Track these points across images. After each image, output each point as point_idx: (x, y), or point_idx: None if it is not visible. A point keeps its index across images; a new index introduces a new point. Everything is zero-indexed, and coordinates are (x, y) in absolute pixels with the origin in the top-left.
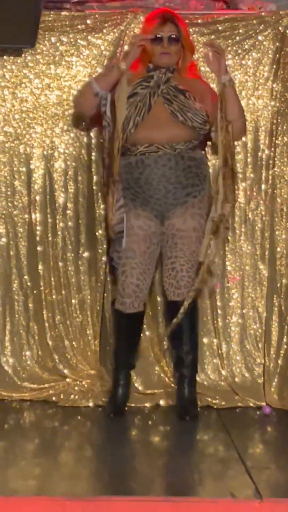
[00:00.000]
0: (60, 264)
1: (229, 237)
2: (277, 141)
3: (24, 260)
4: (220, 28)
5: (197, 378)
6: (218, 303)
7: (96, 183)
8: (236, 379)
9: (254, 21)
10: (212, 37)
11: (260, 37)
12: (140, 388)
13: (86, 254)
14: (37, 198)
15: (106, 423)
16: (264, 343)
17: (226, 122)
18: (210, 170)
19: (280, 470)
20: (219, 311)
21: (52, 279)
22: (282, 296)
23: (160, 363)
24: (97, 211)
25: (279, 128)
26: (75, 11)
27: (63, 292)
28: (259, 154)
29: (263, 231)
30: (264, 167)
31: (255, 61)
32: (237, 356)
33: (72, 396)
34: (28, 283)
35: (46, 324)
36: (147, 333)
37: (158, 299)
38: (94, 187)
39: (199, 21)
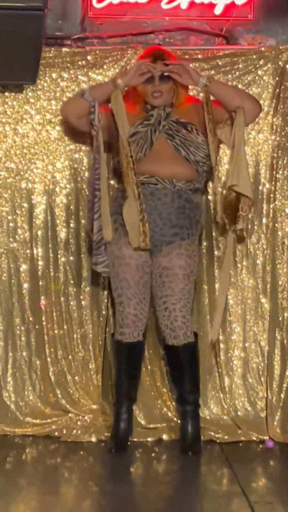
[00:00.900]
0: (62, 298)
1: (231, 271)
2: (277, 175)
3: (26, 295)
4: (220, 63)
5: (200, 413)
6: (220, 337)
7: None
8: (239, 413)
9: (254, 56)
10: (212, 72)
11: (260, 72)
12: (142, 422)
13: (88, 289)
14: (39, 233)
15: (109, 458)
16: (267, 376)
17: (214, 125)
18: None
19: (283, 504)
20: (221, 345)
21: (54, 314)
22: (284, 329)
23: (162, 397)
24: None
25: (280, 162)
26: (76, 47)
27: (65, 327)
28: (260, 188)
29: (265, 264)
30: (265, 201)
31: (255, 95)
32: (239, 390)
33: (74, 431)
34: (30, 318)
35: (49, 359)
36: (148, 366)
37: None
38: None
39: (199, 56)
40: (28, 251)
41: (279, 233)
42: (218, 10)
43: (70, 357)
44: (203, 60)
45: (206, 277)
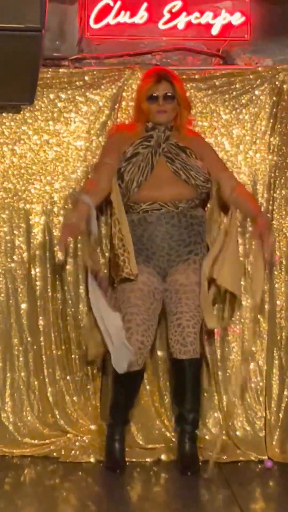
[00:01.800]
0: (60, 319)
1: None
2: (275, 195)
3: (24, 315)
4: (217, 83)
5: (198, 433)
6: (218, 356)
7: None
8: (238, 433)
9: (251, 76)
10: (209, 92)
11: (257, 92)
12: (141, 442)
13: (86, 309)
14: (37, 253)
15: (107, 479)
16: (265, 396)
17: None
18: None
19: None
20: (219, 364)
21: (52, 334)
22: (282, 349)
23: (161, 417)
24: None
25: (277, 182)
26: (73, 68)
27: (63, 347)
28: None
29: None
30: None
31: (252, 115)
32: (238, 409)
33: (73, 451)
34: (28, 339)
35: (47, 380)
36: (147, 387)
37: (159, 353)
38: None
39: (196, 76)
40: (26, 271)
41: (277, 252)
42: (215, 31)
43: (68, 377)
44: (200, 80)
45: None
